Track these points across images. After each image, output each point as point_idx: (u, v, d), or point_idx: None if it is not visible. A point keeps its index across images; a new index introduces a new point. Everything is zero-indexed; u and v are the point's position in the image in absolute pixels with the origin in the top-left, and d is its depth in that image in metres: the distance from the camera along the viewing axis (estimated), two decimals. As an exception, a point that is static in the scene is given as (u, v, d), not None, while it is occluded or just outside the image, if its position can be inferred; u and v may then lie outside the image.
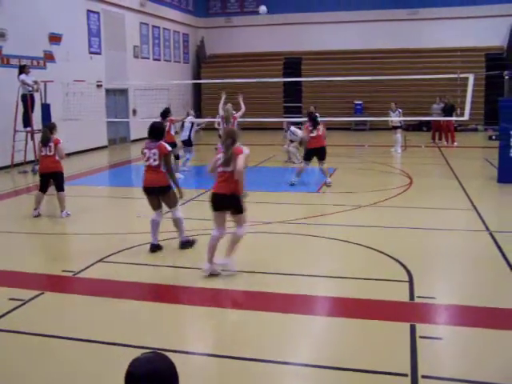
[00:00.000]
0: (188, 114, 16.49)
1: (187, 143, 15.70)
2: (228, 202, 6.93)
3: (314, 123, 13.20)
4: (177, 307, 6.41)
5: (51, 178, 10.47)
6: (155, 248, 8.12)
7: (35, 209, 10.47)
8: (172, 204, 8.12)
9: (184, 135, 15.76)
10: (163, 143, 7.95)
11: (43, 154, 10.33)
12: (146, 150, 7.93)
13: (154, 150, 7.84)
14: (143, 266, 7.70)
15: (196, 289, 6.79)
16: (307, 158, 13.37)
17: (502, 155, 13.37)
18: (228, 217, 7.14)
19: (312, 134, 13.09)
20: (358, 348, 5.28)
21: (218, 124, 15.62)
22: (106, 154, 20.89)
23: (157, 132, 8.05)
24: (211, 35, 31.96)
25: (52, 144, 10.23)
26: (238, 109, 15.29)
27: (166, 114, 14.57)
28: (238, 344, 5.43)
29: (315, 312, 6.21)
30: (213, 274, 7.02)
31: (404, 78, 22.39)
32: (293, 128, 16.39)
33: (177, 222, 8.15)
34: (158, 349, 3.47)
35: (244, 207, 7.07)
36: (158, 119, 13.25)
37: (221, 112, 15.07)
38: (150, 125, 8.18)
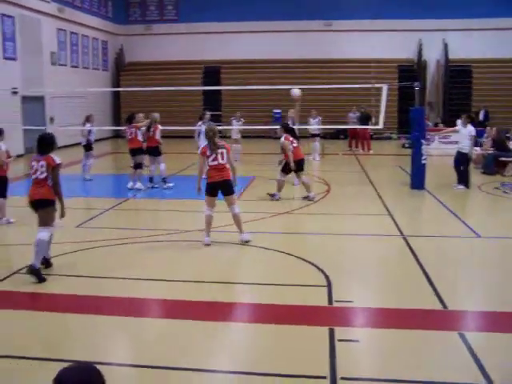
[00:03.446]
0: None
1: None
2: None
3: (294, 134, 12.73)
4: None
5: None
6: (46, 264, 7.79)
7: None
8: (44, 221, 7.57)
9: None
10: (51, 155, 7.58)
11: None
12: (33, 163, 7.60)
13: (42, 163, 7.52)
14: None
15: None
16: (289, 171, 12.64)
17: (414, 162, 13.94)
18: None
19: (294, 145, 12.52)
20: (276, 353, 5.40)
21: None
22: (22, 162, 20.23)
23: (45, 144, 7.68)
24: (131, 43, 31.63)
25: None
26: None
27: (130, 119, 14.18)
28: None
29: (231, 318, 6.31)
30: None
31: (321, 88, 22.92)
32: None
33: (38, 244, 7.46)
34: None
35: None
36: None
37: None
38: (39, 137, 7.75)
